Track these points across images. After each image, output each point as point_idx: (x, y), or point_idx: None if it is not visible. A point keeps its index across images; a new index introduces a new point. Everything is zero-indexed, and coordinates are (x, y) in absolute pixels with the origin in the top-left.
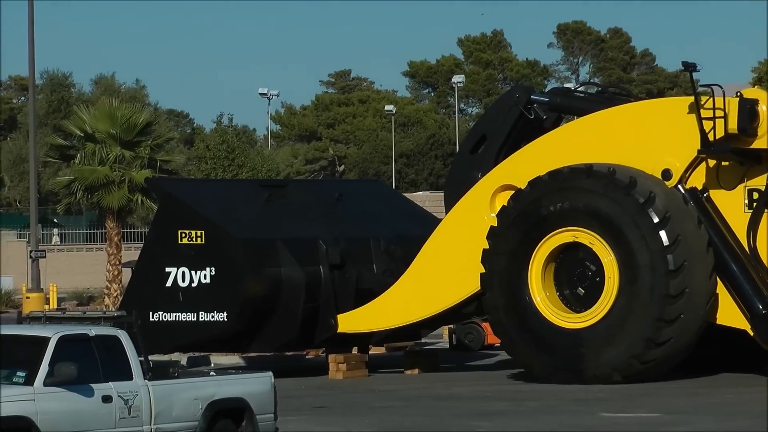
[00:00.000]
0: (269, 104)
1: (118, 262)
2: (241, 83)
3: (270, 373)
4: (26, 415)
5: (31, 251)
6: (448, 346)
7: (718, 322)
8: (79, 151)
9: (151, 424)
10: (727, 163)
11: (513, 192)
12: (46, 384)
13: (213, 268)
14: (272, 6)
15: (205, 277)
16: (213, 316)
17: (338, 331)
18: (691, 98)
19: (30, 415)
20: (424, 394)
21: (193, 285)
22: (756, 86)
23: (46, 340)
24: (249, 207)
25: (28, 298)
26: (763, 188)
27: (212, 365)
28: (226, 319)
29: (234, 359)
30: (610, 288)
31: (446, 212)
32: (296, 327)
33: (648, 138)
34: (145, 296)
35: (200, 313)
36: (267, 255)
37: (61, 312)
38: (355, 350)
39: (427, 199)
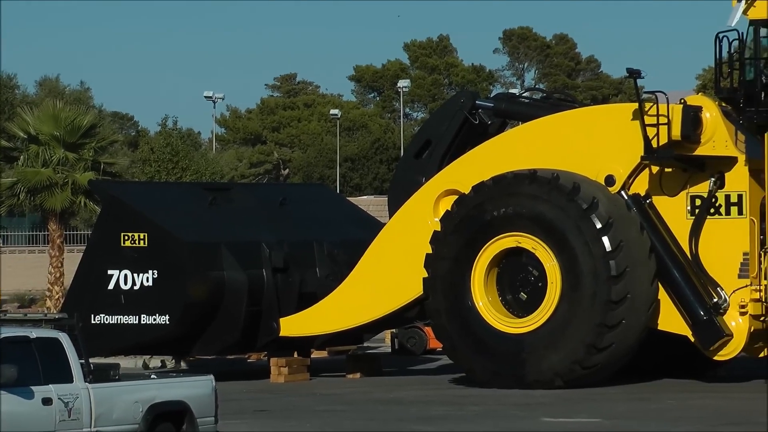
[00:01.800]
0: (214, 107)
1: (60, 265)
2: (186, 86)
3: (211, 377)
4: None
5: None
6: (390, 350)
7: (659, 327)
8: (22, 153)
9: (91, 427)
10: (670, 170)
11: (457, 197)
12: None
13: (156, 271)
14: (218, 8)
15: (147, 280)
16: (155, 319)
17: (280, 335)
18: (635, 105)
19: None
20: (366, 398)
21: (136, 288)
22: (700, 93)
23: None
24: (193, 210)
25: None
26: (705, 195)
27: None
28: (168, 322)
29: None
30: (553, 293)
31: (390, 216)
32: (238, 330)
33: (592, 144)
34: (87, 299)
35: (142, 315)
36: (210, 258)
37: (2, 314)
38: (296, 354)
39: (371, 204)
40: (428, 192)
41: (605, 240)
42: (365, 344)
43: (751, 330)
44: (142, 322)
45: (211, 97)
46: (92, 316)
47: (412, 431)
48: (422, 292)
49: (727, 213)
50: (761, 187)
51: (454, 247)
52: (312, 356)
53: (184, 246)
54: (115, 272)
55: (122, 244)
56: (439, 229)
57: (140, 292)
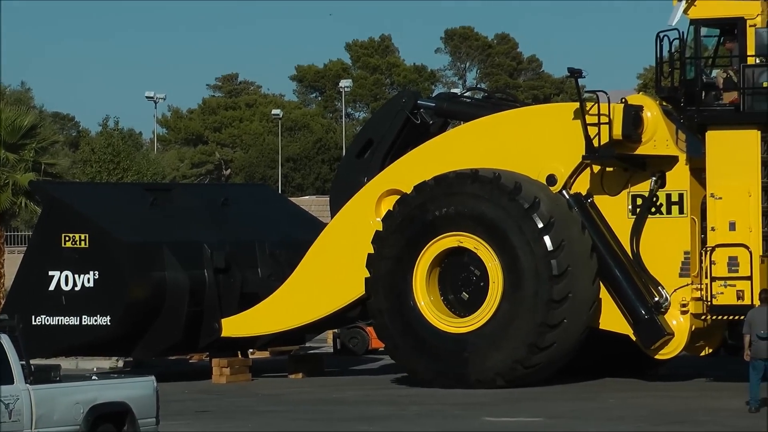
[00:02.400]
0: (156, 108)
1: (1, 266)
2: (127, 86)
3: (152, 377)
4: None
5: None
6: (332, 350)
7: (601, 327)
8: None
9: (32, 428)
10: (611, 169)
11: (399, 197)
12: None
13: (97, 272)
14: (158, 8)
15: (88, 281)
16: (96, 320)
17: (222, 335)
18: (577, 104)
19: None
20: (308, 399)
21: (77, 289)
22: (641, 93)
23: None
24: (134, 211)
25: None
26: (646, 194)
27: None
28: (109, 323)
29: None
30: (494, 293)
31: (332, 216)
32: (180, 331)
33: (533, 143)
34: (28, 300)
35: (83, 316)
36: (151, 259)
37: None
38: (240, 355)
39: (313, 204)
40: (370, 192)
41: (547, 239)
42: (307, 344)
43: (692, 329)
44: (83, 323)
45: (152, 98)
46: (33, 317)
47: (353, 431)
48: (364, 292)
49: (668, 212)
50: (702, 186)
51: (395, 246)
52: (254, 356)
53: (125, 247)
54: (56, 273)
55: (63, 245)
56: (381, 229)
57: (81, 293)
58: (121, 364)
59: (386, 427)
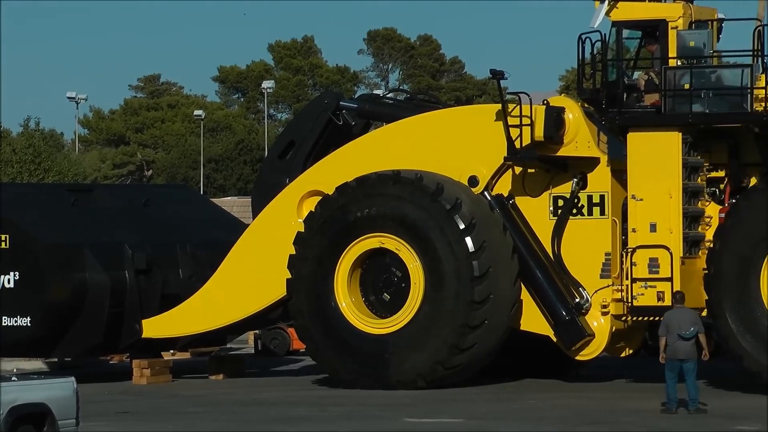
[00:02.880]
0: (77, 108)
1: None
2: (48, 87)
3: (72, 378)
4: None
5: None
6: (253, 351)
7: (522, 328)
8: None
9: None
10: (533, 171)
11: (320, 198)
12: None
13: (17, 273)
14: (80, 8)
15: (8, 282)
16: (16, 321)
17: (143, 336)
18: (499, 105)
19: None
20: (229, 400)
21: None
22: (563, 94)
23: None
24: (55, 211)
25: None
26: (568, 195)
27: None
28: (29, 324)
29: (37, 364)
30: (416, 294)
31: (254, 217)
32: (100, 332)
33: (455, 145)
34: None
35: (3, 317)
36: (72, 259)
37: None
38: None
39: (235, 205)
40: (292, 193)
41: (468, 241)
42: (228, 345)
43: (613, 330)
44: (3, 324)
45: (74, 98)
46: None
47: None
48: (285, 293)
49: (590, 213)
50: (623, 187)
51: (317, 248)
52: (174, 357)
53: (45, 247)
54: None
55: None
56: (303, 230)
57: (1, 294)
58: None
59: (307, 428)
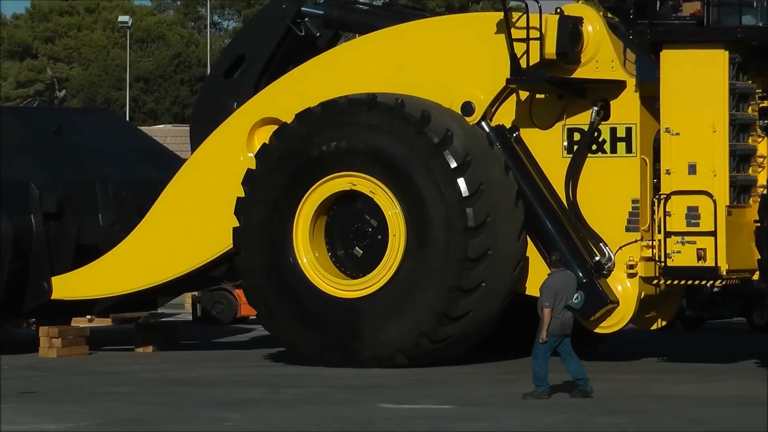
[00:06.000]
0: None
1: None
2: None
3: None
4: None
5: None
6: (191, 317)
7: (527, 292)
8: None
9: None
10: (542, 96)
11: (277, 127)
12: None
13: None
14: None
15: None
16: None
17: (53, 298)
18: (500, 14)
19: None
20: (159, 378)
21: None
22: (580, 1)
23: None
24: None
25: None
26: (586, 128)
27: None
28: None
29: None
30: (395, 248)
31: (192, 150)
32: (0, 292)
33: (446, 63)
34: None
35: None
36: None
37: None
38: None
39: (169, 134)
40: (241, 120)
41: (461, 182)
42: (160, 310)
43: (641, 296)
44: None
45: None
46: None
47: (215, 419)
48: (231, 246)
49: (613, 150)
50: (655, 119)
51: (272, 189)
52: (92, 325)
53: None
54: None
55: None
56: (255, 167)
57: None
58: None
59: (256, 415)
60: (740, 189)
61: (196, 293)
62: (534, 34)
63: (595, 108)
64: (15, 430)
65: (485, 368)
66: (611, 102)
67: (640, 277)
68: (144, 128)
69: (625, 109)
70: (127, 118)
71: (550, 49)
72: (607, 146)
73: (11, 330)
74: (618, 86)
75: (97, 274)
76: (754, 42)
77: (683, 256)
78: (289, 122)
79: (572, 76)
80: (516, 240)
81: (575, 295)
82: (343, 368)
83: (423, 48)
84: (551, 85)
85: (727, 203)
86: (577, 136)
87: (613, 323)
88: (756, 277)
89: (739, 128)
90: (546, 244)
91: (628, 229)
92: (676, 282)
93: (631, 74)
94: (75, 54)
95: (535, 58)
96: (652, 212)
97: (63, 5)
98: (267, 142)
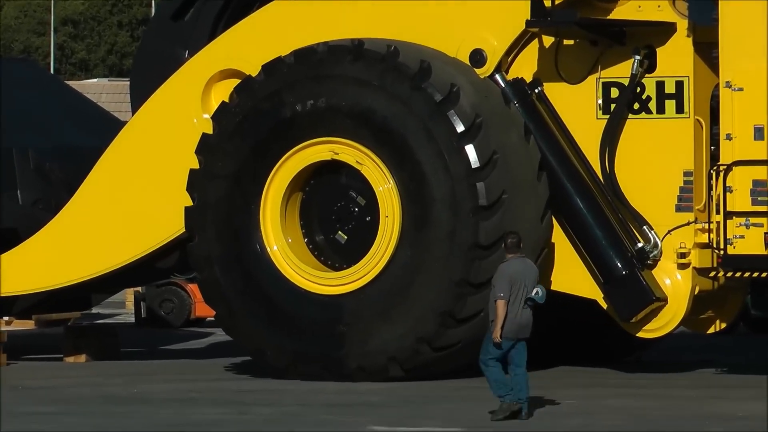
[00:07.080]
0: None
1: None
2: None
3: None
4: None
5: None
6: (134, 319)
7: (553, 287)
8: None
9: None
10: (571, 43)
11: (238, 82)
12: None
13: None
14: None
15: None
16: None
17: None
18: None
19: None
20: (95, 395)
21: None
22: None
23: None
24: None
25: None
26: (626, 82)
27: None
28: None
29: None
30: (388, 233)
31: (134, 111)
32: None
33: (450, 3)
34: None
35: None
36: None
37: None
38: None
39: (105, 90)
40: (194, 73)
41: (469, 150)
42: (95, 311)
43: (696, 291)
44: None
45: None
46: None
47: None
48: (183, 230)
49: (660, 110)
50: (713, 71)
51: (234, 159)
52: (11, 328)
53: None
54: None
55: None
56: (212, 132)
57: None
58: None
59: None
60: None
61: (139, 289)
62: None
63: (638, 57)
64: None
65: None
66: (657, 50)
67: (694, 268)
68: (73, 83)
69: (675, 58)
70: (52, 71)
71: None
72: (652, 105)
73: None
74: (666, 30)
75: (15, 264)
76: None
77: (747, 242)
78: (254, 75)
79: (608, 18)
80: (539, 222)
81: (535, 289)
82: (323, 382)
83: None
84: (582, 28)
85: None
86: (614, 93)
87: (660, 326)
88: None
89: None
90: (576, 228)
91: (678, 209)
92: (738, 274)
93: (683, 15)
94: None
95: None
96: (709, 187)
97: None
98: (227, 100)
